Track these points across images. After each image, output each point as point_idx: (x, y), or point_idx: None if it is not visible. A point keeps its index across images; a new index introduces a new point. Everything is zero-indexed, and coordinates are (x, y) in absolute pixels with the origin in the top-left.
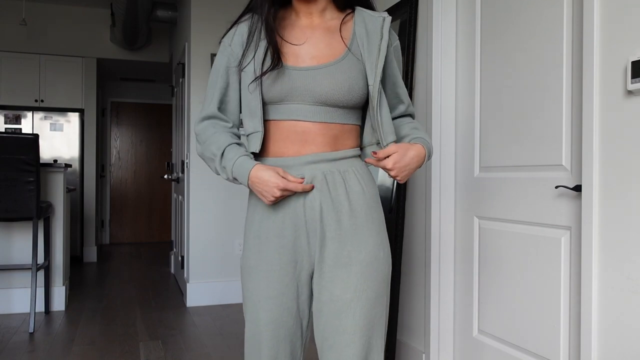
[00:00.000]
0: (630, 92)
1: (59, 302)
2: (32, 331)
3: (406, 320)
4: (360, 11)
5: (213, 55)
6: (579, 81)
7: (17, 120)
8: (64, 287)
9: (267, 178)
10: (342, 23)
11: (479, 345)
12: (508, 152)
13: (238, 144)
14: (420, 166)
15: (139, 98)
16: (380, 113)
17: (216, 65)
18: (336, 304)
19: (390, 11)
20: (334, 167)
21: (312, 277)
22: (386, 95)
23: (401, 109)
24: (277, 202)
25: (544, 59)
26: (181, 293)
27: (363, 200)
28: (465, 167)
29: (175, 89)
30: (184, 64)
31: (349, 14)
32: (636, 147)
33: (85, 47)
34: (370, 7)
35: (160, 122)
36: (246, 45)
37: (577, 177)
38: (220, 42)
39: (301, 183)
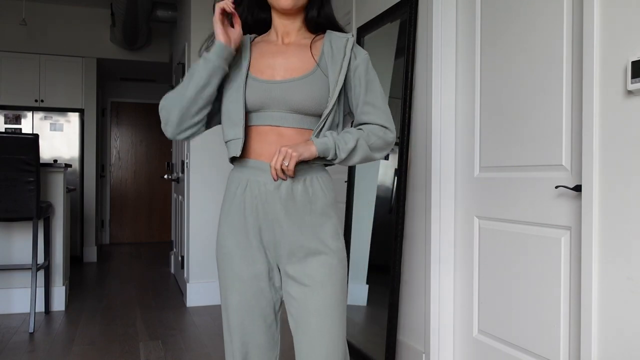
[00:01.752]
0: (630, 92)
1: (59, 302)
2: (32, 331)
3: (406, 320)
4: (329, 33)
5: None
6: (579, 81)
7: (17, 120)
8: (64, 287)
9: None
10: (313, 42)
11: (479, 345)
12: (508, 152)
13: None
14: (312, 154)
15: (139, 98)
16: (326, 122)
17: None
18: (303, 290)
19: (390, 11)
20: (303, 172)
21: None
22: (351, 104)
23: (367, 118)
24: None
25: (544, 59)
26: (181, 293)
27: (323, 203)
28: (465, 167)
29: None
30: (184, 64)
31: (319, 34)
32: (636, 147)
33: (85, 47)
34: (340, 30)
35: (160, 122)
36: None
37: (577, 177)
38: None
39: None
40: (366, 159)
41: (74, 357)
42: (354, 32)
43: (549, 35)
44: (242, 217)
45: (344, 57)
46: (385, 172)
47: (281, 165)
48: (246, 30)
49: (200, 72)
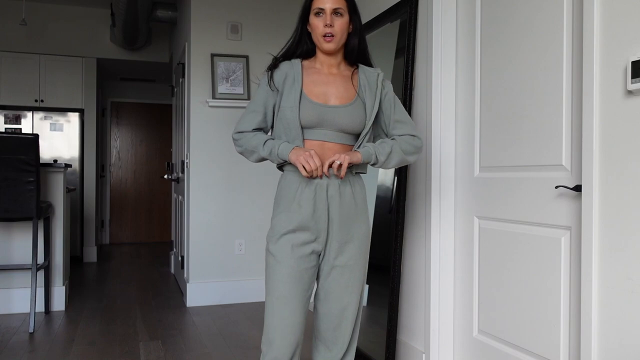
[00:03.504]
0: (630, 92)
1: (59, 302)
2: (32, 331)
3: (406, 320)
4: (362, 67)
5: (213, 55)
6: (579, 81)
7: (17, 120)
8: (64, 287)
9: (304, 150)
10: (353, 75)
11: (479, 345)
12: (508, 152)
13: (272, 138)
14: (359, 159)
15: (139, 98)
16: (365, 139)
17: (257, 98)
18: (342, 265)
19: (390, 11)
20: (348, 179)
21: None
22: (383, 123)
23: (398, 131)
24: (308, 178)
25: (544, 59)
26: (181, 293)
27: (362, 201)
28: (465, 167)
29: (175, 89)
30: (184, 64)
31: (355, 68)
32: (636, 147)
33: (85, 47)
34: (369, 65)
35: (160, 122)
36: (284, 86)
37: (577, 177)
38: (264, 73)
39: (322, 171)
40: (402, 162)
41: (74, 357)
42: None
43: (549, 35)
44: (300, 210)
45: (377, 89)
46: (385, 172)
47: (333, 164)
48: (295, 56)
49: (263, 154)
